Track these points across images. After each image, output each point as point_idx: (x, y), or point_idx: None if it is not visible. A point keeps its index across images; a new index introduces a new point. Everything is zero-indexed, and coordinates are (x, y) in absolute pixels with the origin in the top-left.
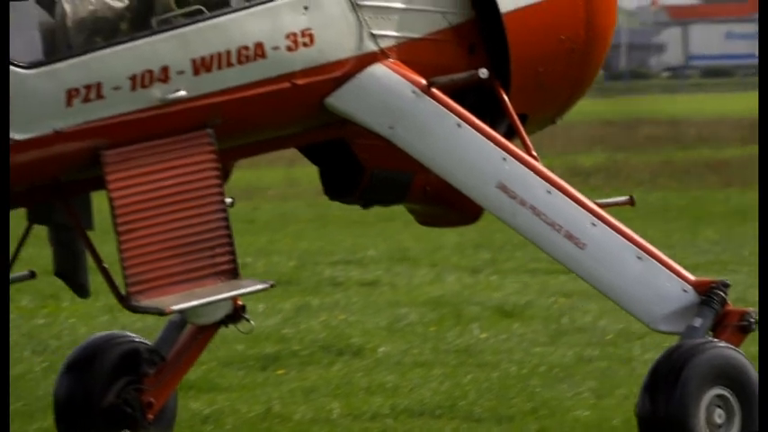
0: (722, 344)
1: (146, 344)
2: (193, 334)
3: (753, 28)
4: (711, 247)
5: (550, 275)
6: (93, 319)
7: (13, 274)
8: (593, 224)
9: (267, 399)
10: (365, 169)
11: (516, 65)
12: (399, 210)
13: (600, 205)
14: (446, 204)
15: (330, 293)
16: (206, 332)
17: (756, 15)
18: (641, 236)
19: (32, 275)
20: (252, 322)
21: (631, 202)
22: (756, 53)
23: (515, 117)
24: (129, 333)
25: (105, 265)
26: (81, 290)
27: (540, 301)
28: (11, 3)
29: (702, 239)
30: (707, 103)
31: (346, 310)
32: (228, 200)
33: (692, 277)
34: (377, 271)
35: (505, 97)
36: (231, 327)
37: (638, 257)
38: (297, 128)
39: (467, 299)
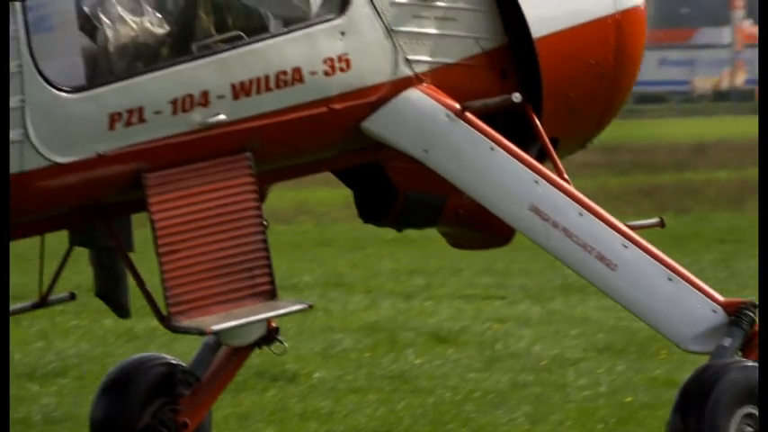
0: (751, 363)
1: (181, 365)
2: (228, 355)
3: (686, 55)
4: None
5: (485, 301)
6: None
7: (53, 296)
8: (625, 246)
9: None
10: (399, 192)
11: (548, 89)
12: (334, 235)
13: (631, 227)
14: (478, 227)
15: None
16: (240, 353)
17: (691, 42)
18: None
19: (72, 297)
20: (285, 344)
21: (661, 224)
22: (689, 80)
23: (547, 140)
24: (164, 355)
25: (148, 289)
26: (122, 310)
27: (474, 327)
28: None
29: None
30: (641, 128)
31: (281, 335)
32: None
33: (721, 298)
34: (312, 296)
35: (537, 121)
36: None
37: (669, 279)
38: (333, 151)
39: (401, 324)
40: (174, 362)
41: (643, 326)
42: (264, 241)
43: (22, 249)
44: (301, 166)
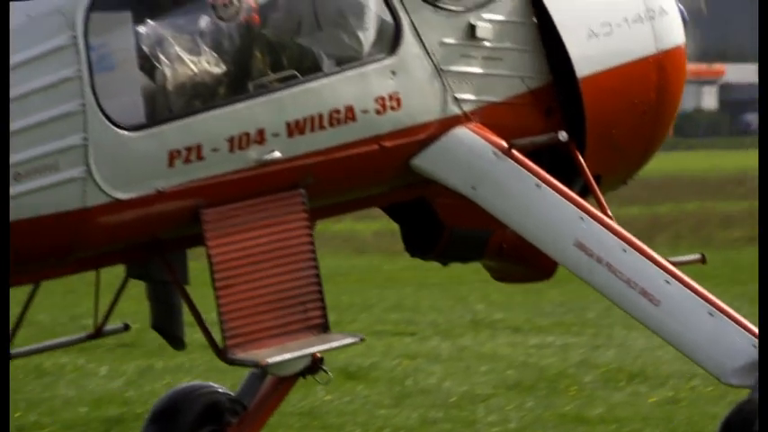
0: None
1: (228, 394)
2: (274, 384)
3: None
4: (555, 309)
5: (395, 337)
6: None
7: (108, 327)
8: (667, 281)
9: None
10: (445, 227)
11: (591, 127)
12: None
13: (673, 263)
14: (522, 261)
15: (174, 355)
16: (286, 383)
17: None
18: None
19: (126, 328)
20: (330, 374)
21: (703, 261)
22: None
23: (590, 177)
24: (212, 383)
25: (206, 324)
26: (177, 343)
27: (384, 363)
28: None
29: (546, 301)
30: None
31: (191, 372)
32: None
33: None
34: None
35: (581, 158)
36: (309, 377)
37: (710, 314)
38: (383, 187)
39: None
40: (221, 390)
41: (552, 362)
42: (317, 275)
43: (76, 284)
44: (351, 202)
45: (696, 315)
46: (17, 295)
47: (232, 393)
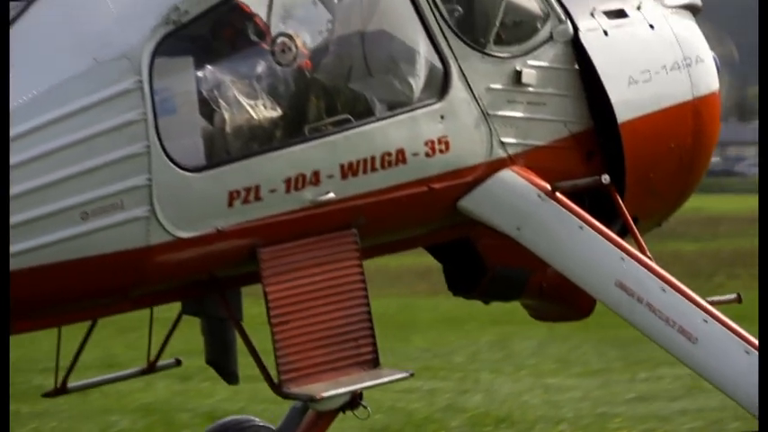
0: None
1: (270, 428)
2: (314, 419)
3: None
4: (421, 353)
5: (263, 382)
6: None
7: (161, 362)
8: (705, 320)
9: None
10: (488, 267)
11: (630, 171)
12: (110, 317)
13: (710, 302)
14: (561, 301)
15: (40, 401)
16: (326, 417)
17: None
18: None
19: (178, 363)
20: (368, 408)
21: (738, 300)
22: None
23: (630, 219)
24: (254, 417)
25: (262, 360)
26: (231, 377)
27: (251, 408)
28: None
29: (413, 346)
30: None
31: (56, 417)
32: None
33: None
34: (89, 376)
35: (620, 201)
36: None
37: (746, 351)
38: (430, 227)
39: (177, 406)
40: (262, 424)
41: (419, 407)
42: (368, 312)
43: (127, 322)
44: (399, 242)
45: (732, 353)
46: (71, 331)
47: (273, 427)
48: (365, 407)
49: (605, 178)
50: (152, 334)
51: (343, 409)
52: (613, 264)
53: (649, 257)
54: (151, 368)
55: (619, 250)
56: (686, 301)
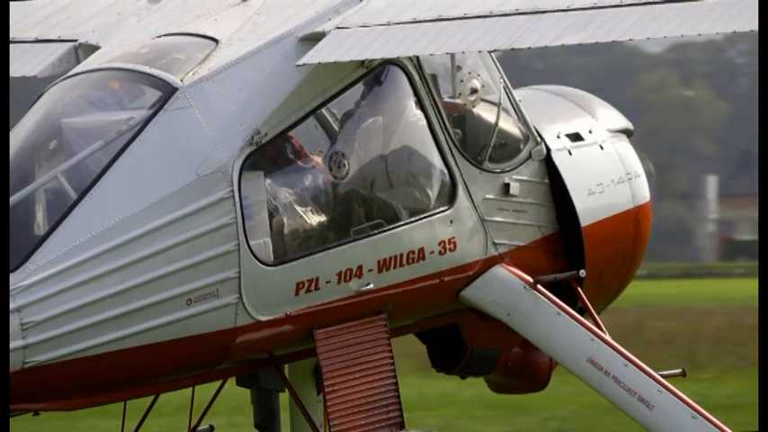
0: None
1: None
2: None
3: None
4: None
5: None
6: None
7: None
8: (659, 390)
9: None
10: (467, 347)
11: (589, 267)
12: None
13: (663, 375)
14: (521, 376)
15: None
16: None
17: None
18: None
19: (211, 429)
20: None
21: (683, 374)
22: None
23: (591, 307)
24: None
25: (314, 422)
26: None
27: None
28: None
29: None
30: None
31: None
32: None
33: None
34: None
35: (581, 293)
36: None
37: (693, 417)
38: (435, 313)
39: None
40: None
41: None
42: (396, 383)
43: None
44: (411, 325)
45: (683, 418)
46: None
47: None
48: None
49: (582, 273)
50: (193, 402)
51: None
52: (585, 344)
53: (605, 333)
54: None
55: (589, 332)
56: (643, 374)
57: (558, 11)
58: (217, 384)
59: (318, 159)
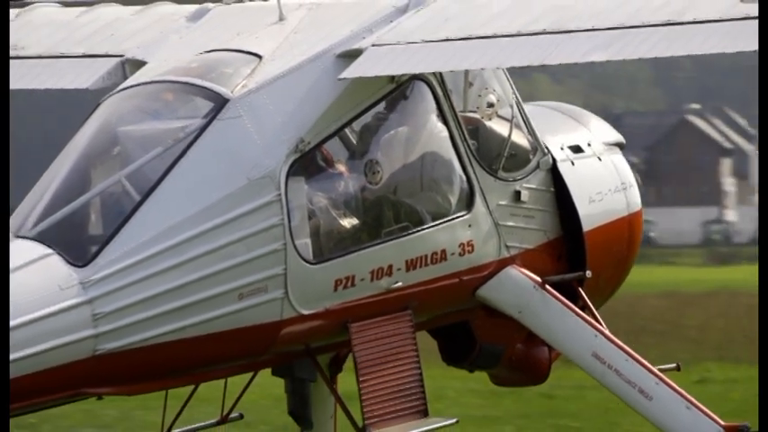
0: None
1: None
2: None
3: None
4: None
5: None
6: None
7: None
8: (657, 383)
9: None
10: (476, 343)
11: (589, 269)
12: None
13: (660, 369)
14: (523, 370)
15: None
16: None
17: None
18: None
19: (241, 417)
20: None
21: (678, 368)
22: None
23: (592, 306)
24: None
25: (348, 409)
26: (308, 424)
27: None
28: None
29: None
30: None
31: None
32: None
33: (722, 422)
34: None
35: (582, 292)
36: None
37: (687, 407)
38: (452, 310)
39: None
40: None
41: None
42: (420, 374)
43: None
44: (431, 320)
45: (678, 408)
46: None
47: None
48: None
49: (588, 273)
50: (226, 390)
51: None
52: (589, 339)
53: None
54: (223, 420)
55: (593, 329)
56: (643, 368)
57: (583, 30)
58: (248, 377)
59: (342, 167)
